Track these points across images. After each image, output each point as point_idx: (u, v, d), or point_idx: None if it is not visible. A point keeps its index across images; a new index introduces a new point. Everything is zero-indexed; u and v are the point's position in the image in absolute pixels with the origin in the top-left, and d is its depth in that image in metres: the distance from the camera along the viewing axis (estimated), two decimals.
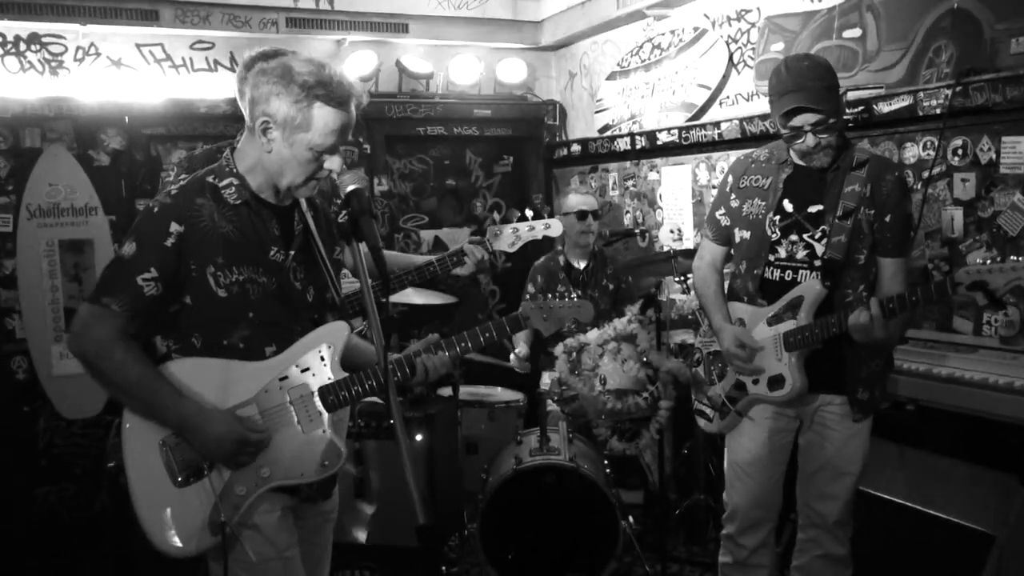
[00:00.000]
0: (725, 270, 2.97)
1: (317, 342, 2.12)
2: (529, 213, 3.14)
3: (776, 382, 2.69)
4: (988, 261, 2.28)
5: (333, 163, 2.05)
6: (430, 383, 2.25)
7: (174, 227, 1.99)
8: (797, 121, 2.58)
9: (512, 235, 3.01)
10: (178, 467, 2.04)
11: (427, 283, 3.21)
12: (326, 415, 2.11)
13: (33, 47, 4.46)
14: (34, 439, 4.41)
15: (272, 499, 2.09)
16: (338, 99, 2.00)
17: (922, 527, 2.95)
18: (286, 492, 2.12)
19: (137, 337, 2.04)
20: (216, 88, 4.77)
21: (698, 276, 2.97)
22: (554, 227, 3.06)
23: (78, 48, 4.55)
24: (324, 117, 1.99)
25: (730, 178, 2.88)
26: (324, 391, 2.11)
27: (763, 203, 2.75)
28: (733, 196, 2.84)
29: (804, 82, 2.56)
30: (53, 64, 4.51)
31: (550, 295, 2.37)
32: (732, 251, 2.89)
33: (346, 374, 2.13)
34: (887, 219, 2.61)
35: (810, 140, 2.59)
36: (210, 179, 2.08)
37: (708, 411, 2.94)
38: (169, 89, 4.72)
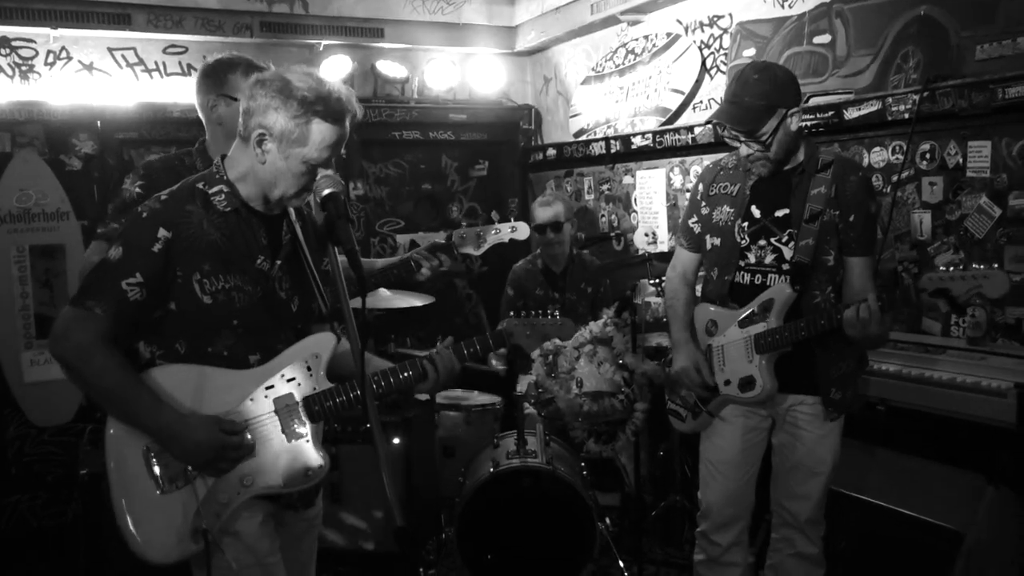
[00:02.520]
0: (700, 273, 3.01)
1: (304, 352, 2.12)
2: (495, 215, 3.16)
3: (747, 384, 2.72)
4: (951, 268, 2.33)
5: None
6: (440, 386, 2.28)
7: (162, 233, 1.98)
8: (726, 132, 2.67)
9: (477, 239, 3.01)
10: (161, 474, 2.02)
11: (394, 285, 3.20)
12: (310, 425, 2.11)
13: (3, 51, 4.41)
14: (3, 447, 4.35)
15: (253, 506, 2.08)
16: (335, 115, 2.00)
17: (893, 525, 2.99)
18: (268, 499, 2.11)
19: (120, 343, 2.02)
20: (189, 92, 4.65)
21: (669, 287, 3.02)
22: (520, 230, 3.05)
23: (49, 52, 4.51)
24: (321, 132, 1.99)
25: (700, 186, 2.92)
26: (309, 401, 2.10)
27: (731, 210, 2.79)
28: (704, 204, 2.88)
29: (741, 97, 2.61)
30: (24, 68, 4.46)
31: (533, 312, 2.41)
32: (703, 258, 2.93)
33: (331, 384, 2.13)
34: (851, 219, 2.65)
35: (743, 149, 2.67)
36: (200, 185, 2.08)
37: (681, 411, 2.97)
38: (142, 93, 4.69)
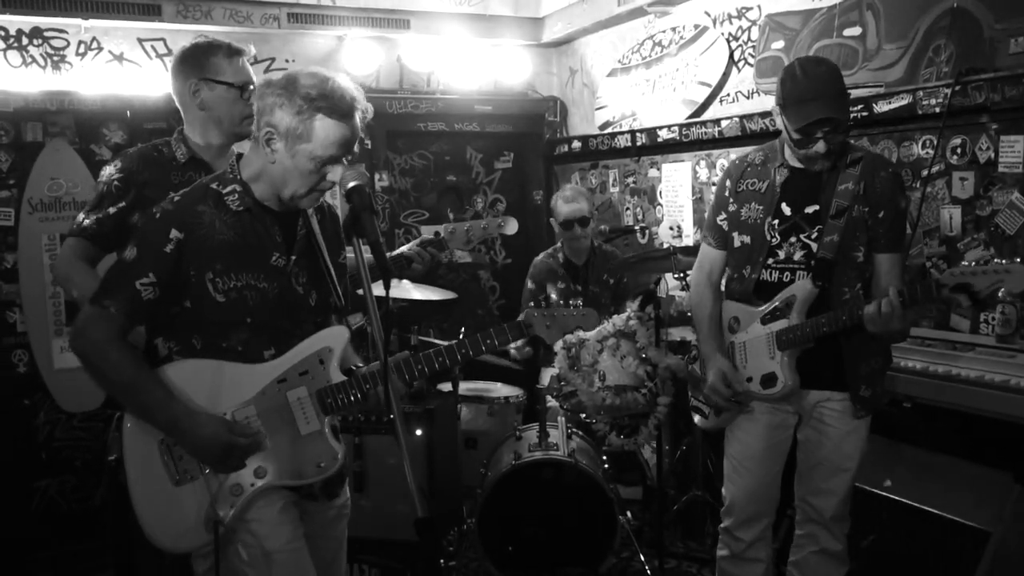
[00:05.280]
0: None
1: (316, 345, 2.14)
2: (479, 204, 3.10)
3: (769, 380, 2.70)
4: (972, 263, 2.30)
5: (335, 174, 2.07)
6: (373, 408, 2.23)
7: (174, 233, 2.02)
8: (815, 128, 2.53)
9: (465, 235, 2.96)
10: (176, 466, 2.07)
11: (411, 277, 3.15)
12: (323, 417, 2.13)
13: (35, 41, 4.47)
14: (34, 432, 4.42)
15: (270, 495, 2.11)
16: (340, 112, 2.01)
17: (918, 524, 2.96)
18: (286, 488, 2.14)
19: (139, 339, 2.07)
20: None
21: (694, 292, 2.94)
22: (508, 226, 2.96)
23: (80, 42, 4.56)
24: (325, 129, 2.01)
25: (727, 182, 2.85)
26: (322, 394, 2.13)
27: (761, 207, 2.75)
28: (732, 201, 2.82)
29: (824, 89, 2.53)
30: (55, 58, 4.52)
31: (554, 301, 2.37)
32: (729, 255, 2.87)
33: (344, 377, 2.15)
34: (881, 215, 2.61)
35: (821, 147, 2.55)
36: (214, 186, 2.11)
37: (704, 408, 2.95)
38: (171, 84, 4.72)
